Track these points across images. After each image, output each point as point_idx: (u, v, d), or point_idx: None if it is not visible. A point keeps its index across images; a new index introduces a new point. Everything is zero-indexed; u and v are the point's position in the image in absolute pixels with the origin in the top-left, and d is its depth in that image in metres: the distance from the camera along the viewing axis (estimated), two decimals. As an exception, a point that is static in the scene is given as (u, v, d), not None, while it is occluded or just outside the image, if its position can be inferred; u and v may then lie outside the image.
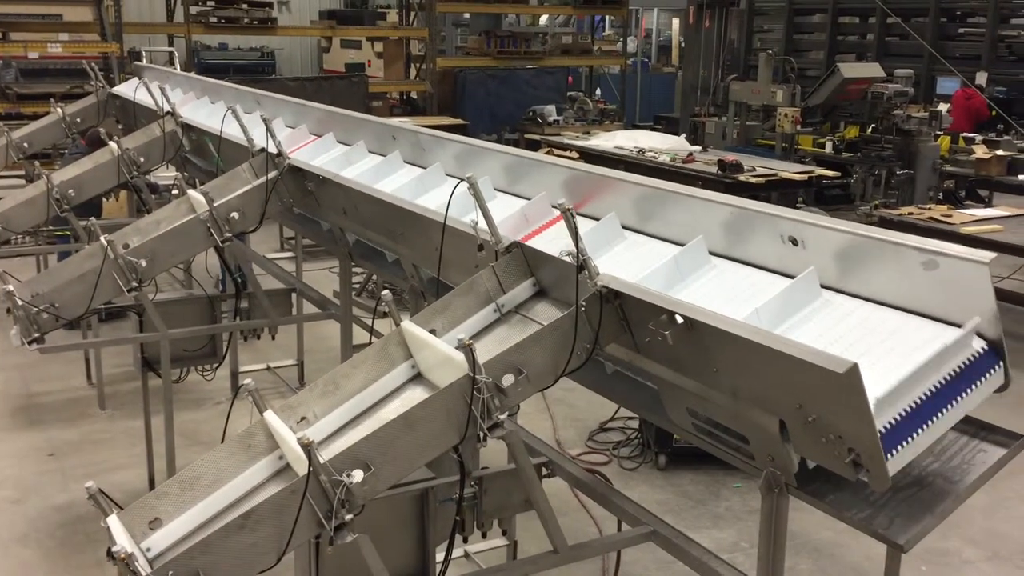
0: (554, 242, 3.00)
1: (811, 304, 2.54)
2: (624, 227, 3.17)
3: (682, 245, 2.89)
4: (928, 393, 2.26)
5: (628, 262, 2.94)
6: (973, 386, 2.31)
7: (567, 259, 2.66)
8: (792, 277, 2.59)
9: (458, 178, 4.01)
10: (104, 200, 8.15)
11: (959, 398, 2.30)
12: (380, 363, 2.86)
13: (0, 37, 13.16)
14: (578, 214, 3.12)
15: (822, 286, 2.57)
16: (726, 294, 2.68)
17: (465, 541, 3.77)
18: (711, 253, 2.85)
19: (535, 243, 2.96)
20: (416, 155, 4.52)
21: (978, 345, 2.34)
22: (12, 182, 9.29)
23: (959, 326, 2.34)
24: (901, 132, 11.42)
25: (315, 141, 5.30)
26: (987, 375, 2.33)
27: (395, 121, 5.59)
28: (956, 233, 7.45)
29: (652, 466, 6.02)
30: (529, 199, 3.51)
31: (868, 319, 2.46)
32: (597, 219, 3.21)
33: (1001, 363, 2.35)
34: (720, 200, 2.86)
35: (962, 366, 2.32)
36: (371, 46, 17.91)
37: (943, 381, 2.29)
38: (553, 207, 2.80)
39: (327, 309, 5.77)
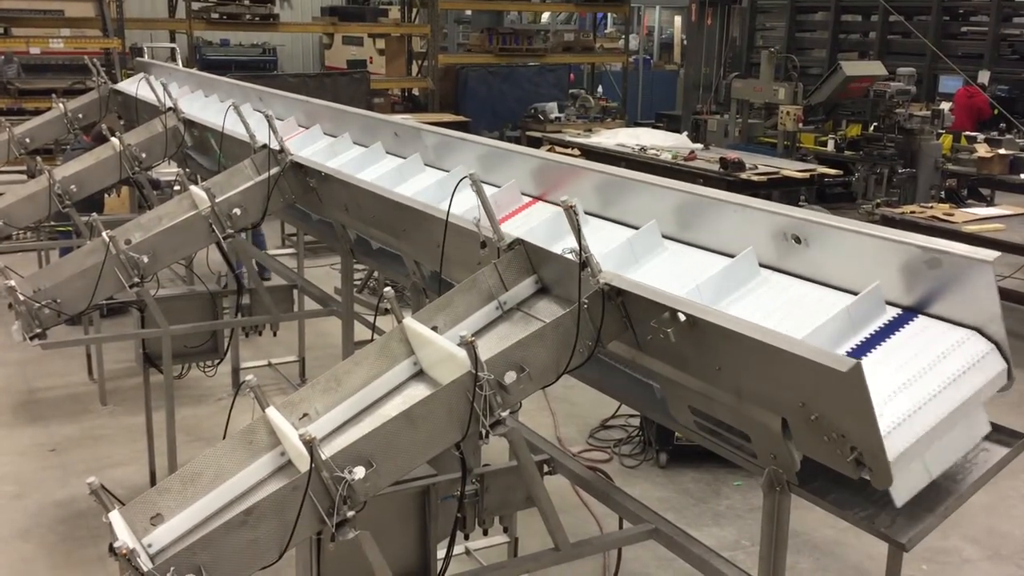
0: (520, 228, 3.21)
1: (750, 282, 2.70)
2: (586, 212, 3.30)
3: (637, 228, 3.05)
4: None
5: (589, 245, 3.02)
6: (886, 340, 2.41)
7: (570, 256, 2.66)
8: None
9: (437, 168, 4.22)
10: (106, 196, 8.15)
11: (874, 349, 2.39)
12: (382, 360, 2.86)
13: (2, 32, 13.16)
14: (545, 201, 3.53)
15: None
16: (675, 273, 2.82)
17: (466, 538, 3.77)
18: (664, 236, 3.02)
19: (505, 228, 3.09)
20: (397, 146, 4.66)
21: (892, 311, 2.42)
22: (13, 177, 9.30)
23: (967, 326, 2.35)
24: (903, 130, 11.42)
25: (329, 140, 5.33)
26: (901, 328, 2.42)
27: (397, 118, 5.59)
28: (958, 232, 7.45)
29: (653, 464, 6.02)
30: (499, 187, 3.69)
31: (805, 296, 2.59)
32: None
33: (1006, 362, 2.34)
34: (672, 186, 3.03)
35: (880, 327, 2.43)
36: (373, 43, 17.90)
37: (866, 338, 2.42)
38: (557, 204, 2.82)
39: (329, 306, 5.77)
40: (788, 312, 2.55)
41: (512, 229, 3.15)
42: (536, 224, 3.25)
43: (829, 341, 2.37)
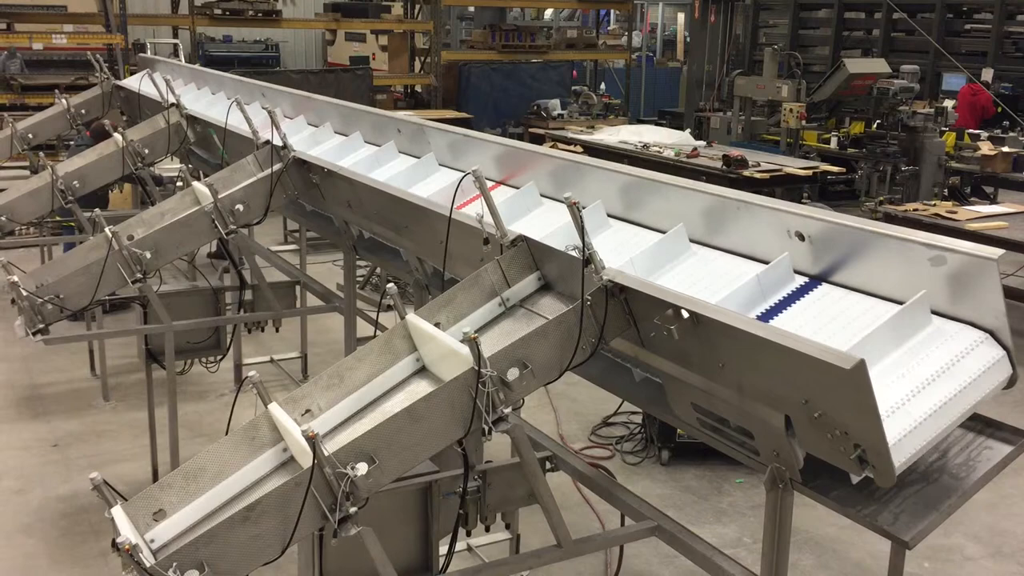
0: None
1: (681, 256, 2.96)
2: (543, 195, 3.61)
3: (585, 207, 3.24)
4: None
5: (543, 224, 3.29)
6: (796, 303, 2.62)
7: (573, 253, 2.66)
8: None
9: (451, 168, 4.32)
10: (109, 192, 8.15)
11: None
12: (384, 356, 2.86)
13: (5, 28, 13.16)
14: (507, 184, 3.82)
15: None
16: (616, 249, 3.03)
17: (468, 534, 3.77)
18: (611, 216, 3.30)
19: (469, 210, 3.27)
20: (375, 135, 4.80)
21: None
22: (17, 173, 9.31)
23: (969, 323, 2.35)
24: (906, 128, 11.40)
25: (340, 140, 5.31)
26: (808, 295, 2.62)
27: (400, 114, 5.59)
28: (961, 230, 7.44)
29: (655, 461, 6.02)
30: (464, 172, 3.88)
31: (713, 263, 2.87)
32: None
33: (1010, 361, 2.34)
34: (617, 169, 3.33)
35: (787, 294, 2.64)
36: (376, 39, 17.90)
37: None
38: (560, 201, 2.85)
39: (331, 302, 5.77)
40: (709, 283, 2.78)
41: (473, 211, 3.33)
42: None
43: (739, 306, 2.57)
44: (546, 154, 3.71)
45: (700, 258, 2.94)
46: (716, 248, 2.93)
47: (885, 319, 2.37)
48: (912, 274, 2.41)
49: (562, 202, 3.32)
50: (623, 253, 2.96)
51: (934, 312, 2.41)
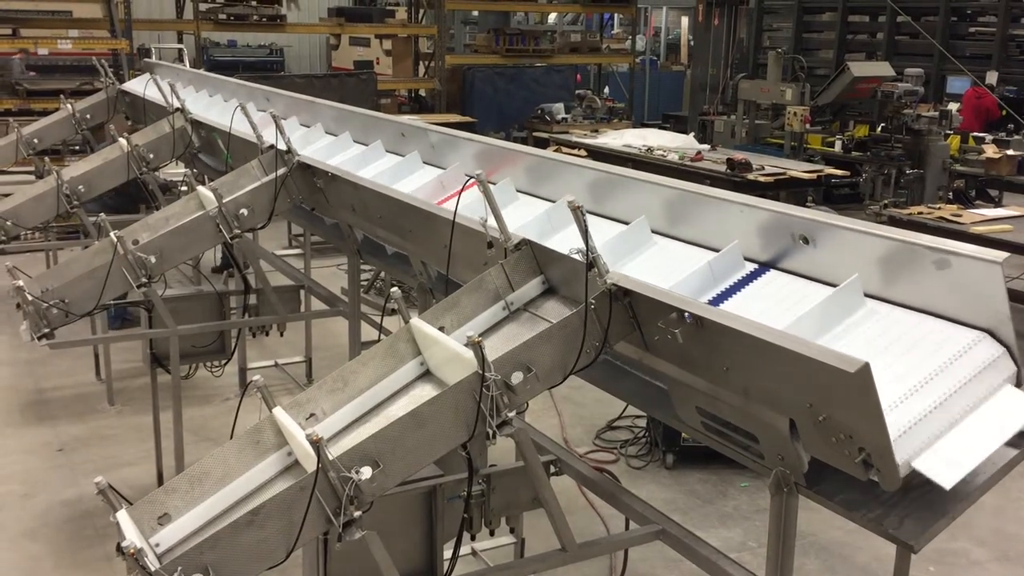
0: (469, 207, 3.48)
1: (643, 246, 3.11)
2: (518, 191, 3.77)
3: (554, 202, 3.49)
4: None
5: (518, 216, 3.39)
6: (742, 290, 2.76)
7: (576, 257, 2.66)
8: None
9: (436, 166, 4.46)
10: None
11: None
12: (389, 360, 2.86)
13: (10, 33, 13.20)
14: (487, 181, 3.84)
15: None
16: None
17: (473, 539, 3.78)
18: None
19: (449, 205, 3.41)
20: (398, 144, 4.89)
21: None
22: (22, 178, 9.33)
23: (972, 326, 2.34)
24: (911, 131, 11.39)
25: (330, 139, 5.41)
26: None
27: (405, 118, 5.62)
28: (966, 233, 7.42)
29: (660, 465, 6.02)
30: (445, 169, 4.28)
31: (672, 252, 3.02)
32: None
33: (1015, 364, 2.33)
34: (587, 165, 3.55)
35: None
36: (380, 43, 17.93)
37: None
38: (564, 204, 2.86)
39: (335, 306, 5.78)
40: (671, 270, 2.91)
41: (453, 206, 3.61)
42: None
43: (692, 291, 2.70)
44: (523, 152, 3.94)
45: (660, 247, 3.09)
46: (676, 239, 3.10)
47: (820, 301, 2.50)
48: (844, 260, 2.55)
49: (534, 196, 3.70)
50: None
51: (934, 314, 2.41)
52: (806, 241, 2.65)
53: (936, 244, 2.35)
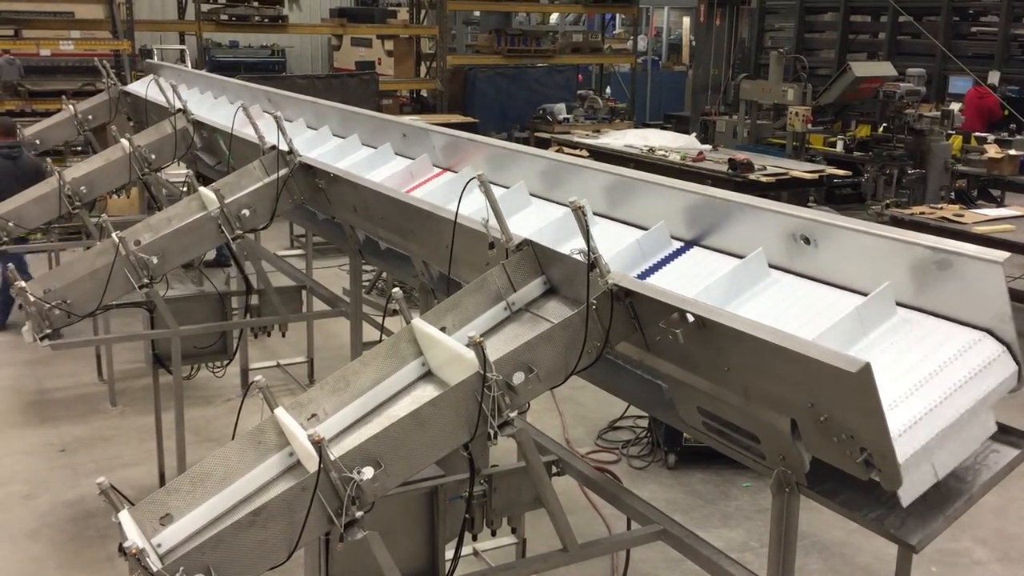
0: (433, 194, 3.97)
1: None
2: (532, 195, 3.86)
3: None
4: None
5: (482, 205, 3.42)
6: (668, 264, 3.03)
7: (578, 257, 2.66)
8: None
9: (446, 169, 4.53)
10: (114, 196, 8.16)
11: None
12: (390, 360, 2.86)
13: (12, 34, 13.21)
14: (450, 171, 4.14)
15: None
16: (541, 225, 3.35)
17: (474, 539, 3.78)
18: (532, 195, 3.76)
19: (418, 193, 3.76)
20: (406, 147, 5.00)
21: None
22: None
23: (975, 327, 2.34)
24: (913, 131, 11.38)
25: (338, 141, 5.45)
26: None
27: (407, 119, 5.64)
28: (968, 233, 7.42)
29: (661, 465, 6.01)
30: (413, 159, 4.57)
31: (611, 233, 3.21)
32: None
33: (1016, 364, 2.33)
34: (538, 154, 3.85)
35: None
36: (381, 44, 17.92)
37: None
38: (565, 205, 2.89)
39: (337, 306, 5.78)
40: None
41: (421, 194, 3.98)
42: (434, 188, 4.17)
43: (623, 266, 2.89)
44: (485, 143, 4.22)
45: (601, 228, 3.30)
46: (616, 220, 3.34)
47: (728, 270, 2.75)
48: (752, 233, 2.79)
49: (497, 184, 3.74)
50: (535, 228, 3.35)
51: (936, 315, 2.41)
52: (807, 241, 2.65)
53: (938, 244, 2.35)
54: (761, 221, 2.81)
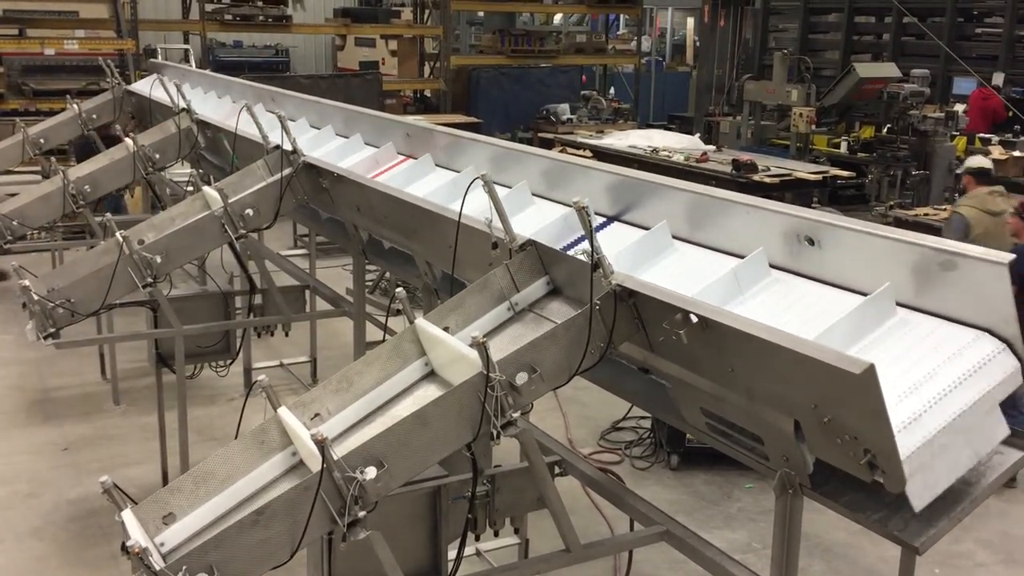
0: (395, 179, 4.32)
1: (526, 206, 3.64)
2: (534, 194, 3.89)
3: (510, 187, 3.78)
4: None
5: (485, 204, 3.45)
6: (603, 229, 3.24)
7: (581, 258, 2.66)
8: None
9: (448, 169, 4.53)
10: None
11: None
12: (393, 360, 2.86)
13: (17, 33, 13.22)
14: (412, 158, 4.47)
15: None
16: (540, 223, 3.37)
17: (477, 539, 3.77)
18: (534, 194, 3.82)
19: (383, 179, 3.97)
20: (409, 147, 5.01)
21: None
22: (28, 178, 9.35)
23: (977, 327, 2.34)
24: (917, 132, 11.37)
25: (341, 141, 5.48)
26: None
27: (411, 119, 5.65)
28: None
29: (664, 466, 6.01)
30: (378, 147, 4.85)
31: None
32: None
33: (1019, 364, 2.33)
34: (538, 153, 3.93)
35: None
36: (385, 44, 17.92)
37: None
38: (568, 205, 2.89)
39: (340, 306, 5.78)
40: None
41: (386, 179, 4.24)
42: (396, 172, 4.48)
43: (549, 239, 3.09)
44: (441, 131, 4.45)
45: (536, 207, 3.64)
46: (617, 220, 3.41)
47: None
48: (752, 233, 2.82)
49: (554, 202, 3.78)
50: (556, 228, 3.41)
51: (937, 316, 2.40)
52: (811, 242, 2.64)
53: (941, 245, 2.34)
54: (761, 221, 2.81)
